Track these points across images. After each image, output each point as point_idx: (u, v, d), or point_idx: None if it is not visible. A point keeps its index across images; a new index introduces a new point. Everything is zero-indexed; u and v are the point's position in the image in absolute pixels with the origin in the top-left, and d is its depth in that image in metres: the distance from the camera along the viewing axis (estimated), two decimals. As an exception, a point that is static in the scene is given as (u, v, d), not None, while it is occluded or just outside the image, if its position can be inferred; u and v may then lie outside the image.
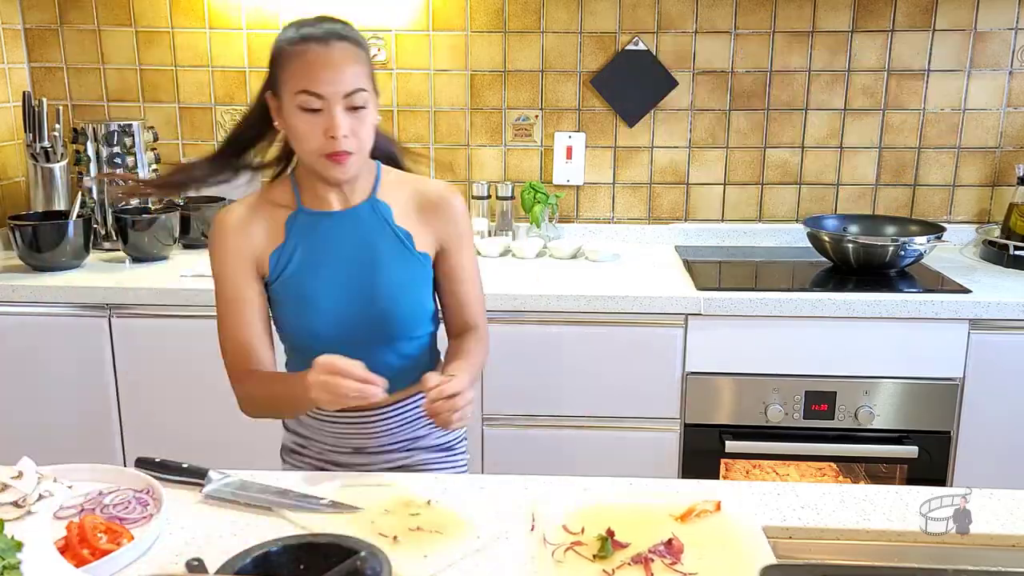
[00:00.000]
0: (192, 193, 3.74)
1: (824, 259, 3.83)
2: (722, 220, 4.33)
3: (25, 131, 3.93)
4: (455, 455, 2.62)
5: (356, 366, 2.07)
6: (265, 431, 2.64)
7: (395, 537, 1.80)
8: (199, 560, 1.64)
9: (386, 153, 2.56)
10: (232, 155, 2.49)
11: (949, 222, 4.17)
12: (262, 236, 2.37)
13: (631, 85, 4.15)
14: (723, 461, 3.62)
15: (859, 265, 3.68)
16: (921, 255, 3.67)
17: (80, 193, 3.90)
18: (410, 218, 2.44)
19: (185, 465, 2.12)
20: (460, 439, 2.65)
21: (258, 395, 2.36)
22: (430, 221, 2.45)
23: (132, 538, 1.78)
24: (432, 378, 2.13)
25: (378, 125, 2.36)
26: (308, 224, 2.38)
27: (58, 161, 3.95)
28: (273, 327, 2.45)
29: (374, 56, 4.13)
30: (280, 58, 2.29)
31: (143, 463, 2.13)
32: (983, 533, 1.82)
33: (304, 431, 2.53)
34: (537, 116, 4.24)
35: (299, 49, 2.24)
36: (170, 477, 2.08)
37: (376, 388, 2.06)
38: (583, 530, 1.80)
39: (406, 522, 1.86)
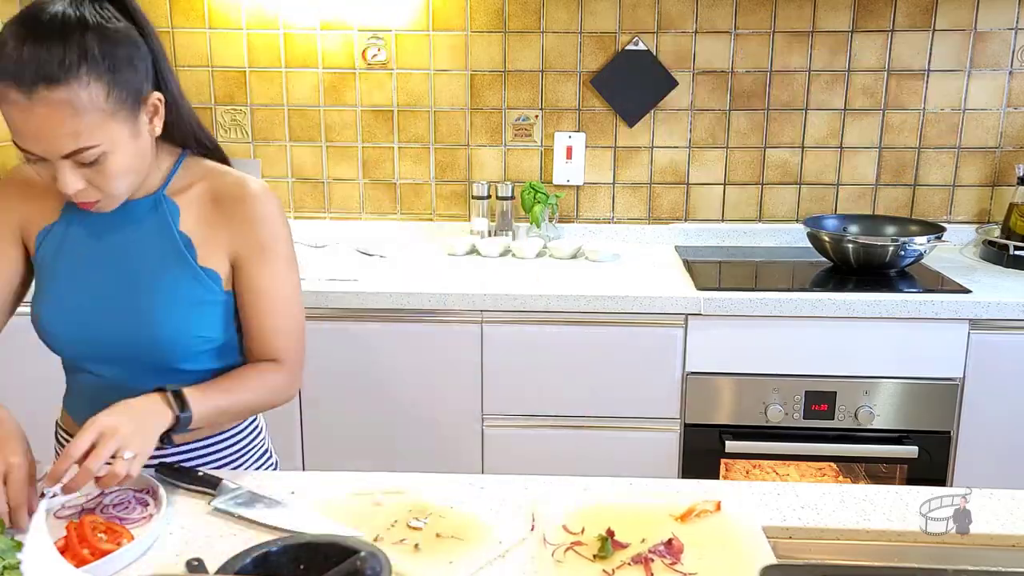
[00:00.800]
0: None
1: (824, 259, 3.83)
2: (722, 220, 4.33)
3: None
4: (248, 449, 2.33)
5: (19, 490, 1.71)
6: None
7: (416, 545, 1.76)
8: (199, 560, 1.64)
9: (204, 146, 2.17)
10: None
11: (949, 222, 4.17)
12: (38, 207, 2.06)
13: (631, 85, 4.15)
14: (723, 461, 3.62)
15: (859, 265, 3.68)
16: (921, 255, 3.67)
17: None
18: (200, 221, 2.07)
19: (200, 473, 2.00)
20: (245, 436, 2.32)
21: None
22: (223, 226, 2.07)
23: (132, 538, 1.76)
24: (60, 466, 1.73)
25: (188, 110, 2.08)
26: (82, 210, 1.97)
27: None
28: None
29: (374, 56, 4.13)
30: None
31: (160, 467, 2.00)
32: (983, 533, 1.82)
33: None
34: (537, 116, 4.24)
35: (1, 88, 1.73)
36: (182, 484, 1.98)
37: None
38: (583, 530, 1.80)
39: (418, 531, 1.82)
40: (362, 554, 1.44)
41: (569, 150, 4.24)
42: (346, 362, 3.56)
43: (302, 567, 1.49)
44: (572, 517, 1.85)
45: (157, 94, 1.93)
